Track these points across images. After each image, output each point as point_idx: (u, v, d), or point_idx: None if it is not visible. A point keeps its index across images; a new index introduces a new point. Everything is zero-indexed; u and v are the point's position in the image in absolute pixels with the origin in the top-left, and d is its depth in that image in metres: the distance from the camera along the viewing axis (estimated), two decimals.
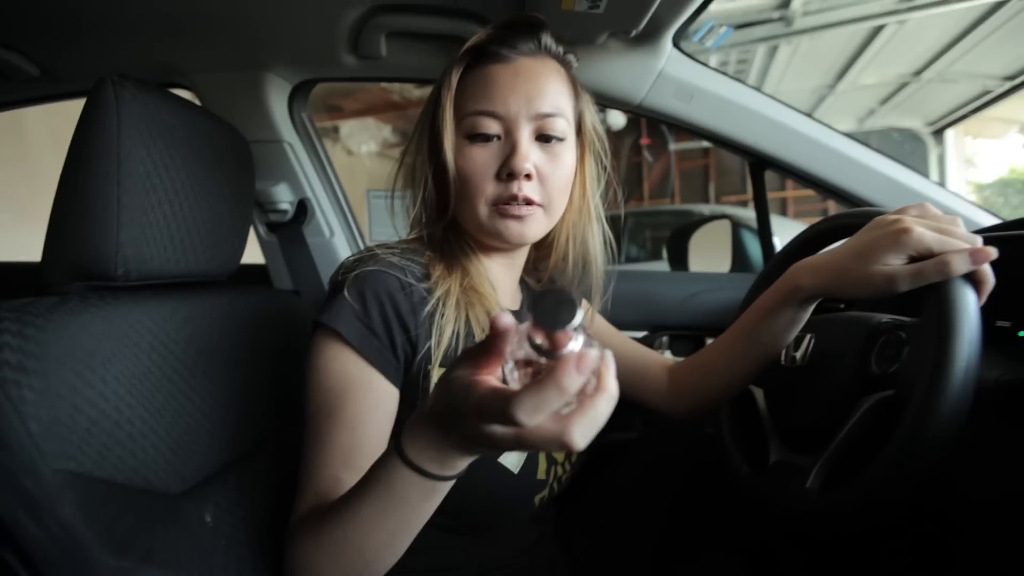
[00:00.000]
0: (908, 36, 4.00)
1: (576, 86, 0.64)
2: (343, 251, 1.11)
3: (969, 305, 0.43)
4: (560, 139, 0.59)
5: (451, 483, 0.41)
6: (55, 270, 0.53)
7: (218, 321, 0.62)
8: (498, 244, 0.61)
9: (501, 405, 0.30)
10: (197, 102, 0.98)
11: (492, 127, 0.57)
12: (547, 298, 0.30)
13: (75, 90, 1.03)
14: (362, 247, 1.16)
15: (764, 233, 1.13)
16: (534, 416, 0.30)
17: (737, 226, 1.29)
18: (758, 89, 0.95)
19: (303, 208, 1.07)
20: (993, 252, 0.44)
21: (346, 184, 1.16)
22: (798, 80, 5.04)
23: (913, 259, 0.47)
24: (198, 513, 0.51)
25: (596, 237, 0.68)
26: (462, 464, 0.39)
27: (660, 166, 7.14)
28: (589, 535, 0.88)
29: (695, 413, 0.73)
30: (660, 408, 0.76)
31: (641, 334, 1.10)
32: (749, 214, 1.17)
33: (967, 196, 0.90)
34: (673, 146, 6.92)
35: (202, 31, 0.86)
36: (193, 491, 0.52)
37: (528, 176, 0.57)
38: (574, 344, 0.30)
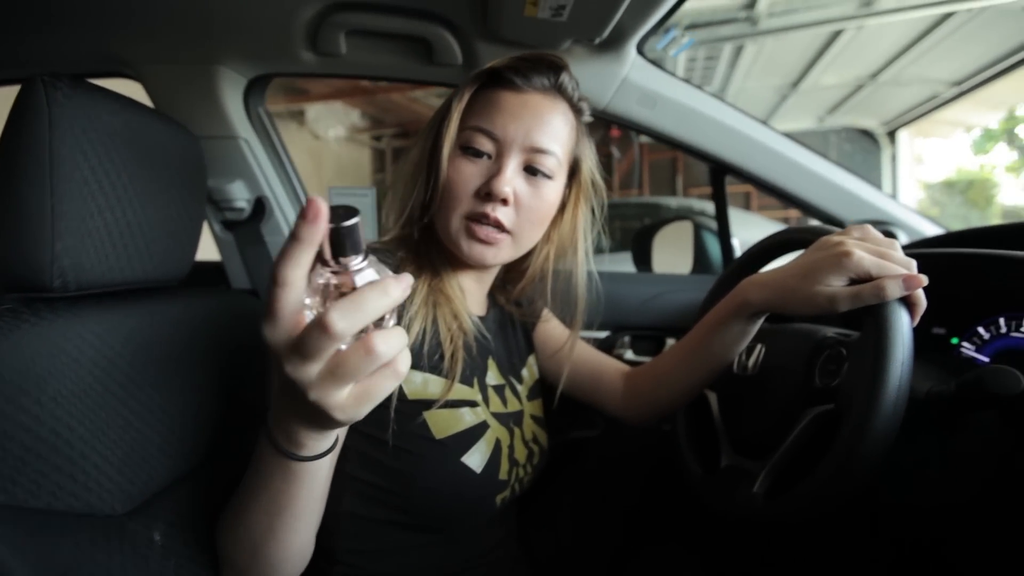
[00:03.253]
0: (866, 41, 4.14)
1: (579, 133, 0.66)
2: None
3: (903, 327, 0.45)
4: (547, 176, 0.61)
5: (316, 467, 0.41)
6: None
7: (169, 329, 0.60)
8: (462, 258, 0.62)
9: (304, 335, 0.31)
10: (145, 94, 0.93)
11: (485, 145, 0.59)
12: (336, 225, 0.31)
13: (12, 77, 0.96)
14: None
15: (724, 236, 1.16)
16: (340, 322, 0.30)
17: (699, 228, 1.32)
18: (720, 98, 0.97)
19: (261, 206, 1.03)
20: (924, 279, 0.46)
21: (312, 169, 1.14)
22: (762, 79, 5.15)
23: (854, 281, 0.49)
24: (146, 533, 0.49)
25: (581, 278, 0.72)
26: (313, 442, 0.39)
27: (628, 158, 7.21)
28: (550, 534, 0.90)
29: (650, 419, 0.75)
30: (616, 413, 0.78)
31: (604, 334, 1.11)
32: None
33: (916, 194, 0.95)
34: (641, 139, 6.99)
35: (152, 22, 0.81)
36: (140, 510, 0.50)
37: (504, 201, 0.58)
38: (359, 265, 0.33)
